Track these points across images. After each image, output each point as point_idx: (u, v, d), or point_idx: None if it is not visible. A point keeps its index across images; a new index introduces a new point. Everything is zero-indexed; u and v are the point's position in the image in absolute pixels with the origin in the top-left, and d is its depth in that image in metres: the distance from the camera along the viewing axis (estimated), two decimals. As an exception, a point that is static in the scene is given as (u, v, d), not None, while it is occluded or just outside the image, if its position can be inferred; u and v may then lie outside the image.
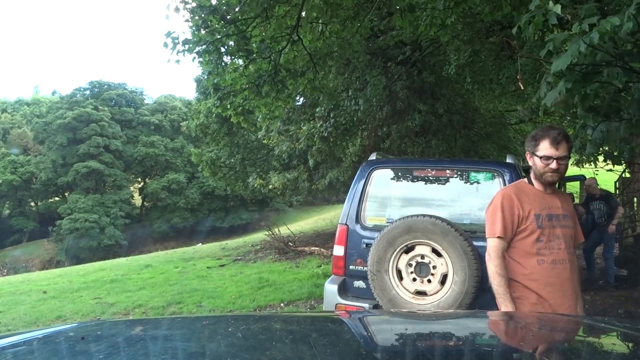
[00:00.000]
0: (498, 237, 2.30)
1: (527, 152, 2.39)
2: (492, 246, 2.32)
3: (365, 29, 6.24)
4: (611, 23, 1.98)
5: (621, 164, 6.29)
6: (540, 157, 2.28)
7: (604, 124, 2.61)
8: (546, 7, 2.12)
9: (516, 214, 2.31)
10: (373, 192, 3.63)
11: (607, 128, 2.60)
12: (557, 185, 2.53)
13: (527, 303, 2.29)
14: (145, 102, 46.63)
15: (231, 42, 5.64)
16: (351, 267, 3.50)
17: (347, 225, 3.56)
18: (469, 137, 10.39)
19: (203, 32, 5.48)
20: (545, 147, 2.26)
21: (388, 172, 3.72)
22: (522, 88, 5.94)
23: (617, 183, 9.77)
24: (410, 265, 3.04)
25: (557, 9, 2.06)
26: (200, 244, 23.20)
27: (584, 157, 9.32)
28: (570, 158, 2.41)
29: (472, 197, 3.44)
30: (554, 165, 2.26)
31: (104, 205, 36.42)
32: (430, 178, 3.59)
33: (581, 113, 2.66)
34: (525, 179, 2.48)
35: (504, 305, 2.28)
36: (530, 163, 2.38)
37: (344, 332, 1.33)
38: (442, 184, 3.58)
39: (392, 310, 2.83)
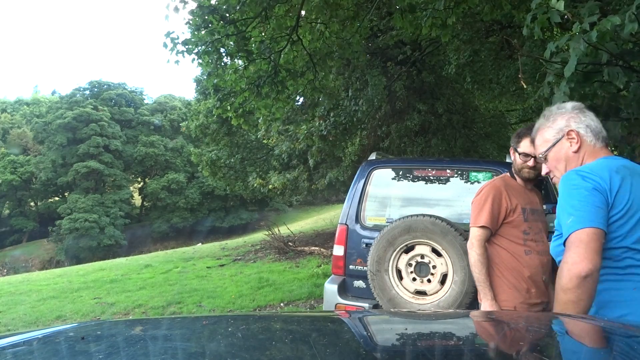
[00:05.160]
0: (483, 226, 2.37)
1: (510, 148, 2.53)
2: (476, 235, 2.38)
3: (365, 29, 6.25)
4: (612, 22, 1.97)
5: None
6: (520, 154, 2.42)
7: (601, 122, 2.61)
8: (548, 4, 2.12)
9: (504, 207, 2.39)
10: (373, 191, 3.63)
11: (605, 127, 2.60)
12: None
13: (519, 294, 2.35)
14: (145, 102, 46.65)
15: (231, 43, 5.63)
16: (351, 266, 3.50)
17: (347, 225, 3.57)
18: (469, 137, 10.40)
19: (203, 32, 5.47)
20: (525, 145, 2.39)
21: (388, 172, 3.72)
22: (525, 86, 5.92)
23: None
24: (410, 265, 3.04)
25: (560, 5, 2.06)
26: (200, 243, 23.15)
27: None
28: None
29: (472, 196, 3.42)
30: (531, 162, 2.38)
31: (103, 205, 36.41)
32: (430, 178, 3.59)
33: None
34: (508, 174, 2.58)
35: (484, 292, 2.35)
36: (512, 158, 2.52)
37: (344, 332, 1.33)
38: (442, 183, 3.58)
39: (392, 310, 2.83)
